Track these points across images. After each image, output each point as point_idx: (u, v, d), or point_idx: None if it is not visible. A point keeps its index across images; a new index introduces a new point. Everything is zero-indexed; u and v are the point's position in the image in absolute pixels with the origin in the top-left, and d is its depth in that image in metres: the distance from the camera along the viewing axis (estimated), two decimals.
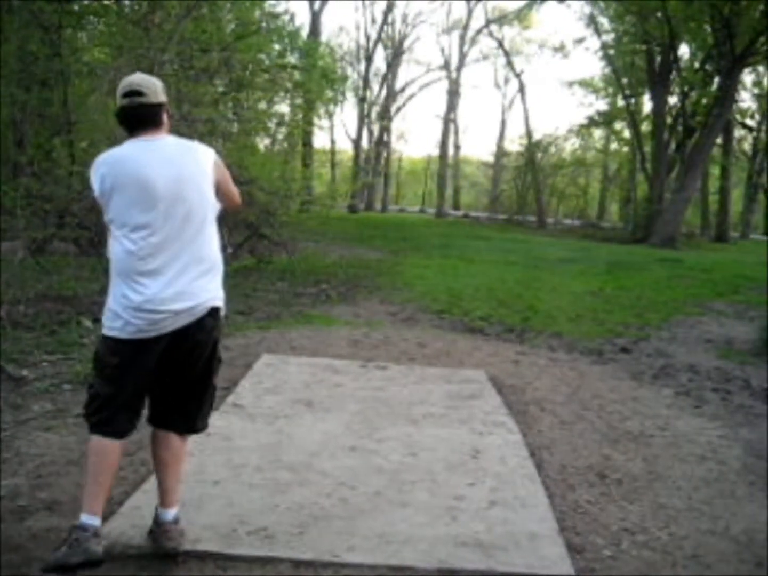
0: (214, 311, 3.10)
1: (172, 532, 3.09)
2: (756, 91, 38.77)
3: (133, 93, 3.06)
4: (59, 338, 6.94)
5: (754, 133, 42.30)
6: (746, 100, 39.14)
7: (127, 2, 16.41)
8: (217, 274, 3.15)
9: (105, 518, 3.32)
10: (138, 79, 3.17)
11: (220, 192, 3.23)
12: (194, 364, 3.11)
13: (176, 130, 12.00)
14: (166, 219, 2.98)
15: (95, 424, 3.02)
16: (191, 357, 3.09)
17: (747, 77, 35.68)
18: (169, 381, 3.11)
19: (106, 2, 16.16)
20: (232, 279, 10.70)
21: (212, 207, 3.16)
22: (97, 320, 7.65)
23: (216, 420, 4.78)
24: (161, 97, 3.15)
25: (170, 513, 3.15)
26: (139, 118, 3.08)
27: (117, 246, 3.00)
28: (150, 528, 3.17)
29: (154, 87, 3.13)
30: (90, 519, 2.89)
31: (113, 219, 3.02)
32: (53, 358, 6.28)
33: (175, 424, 3.18)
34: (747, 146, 44.22)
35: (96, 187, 3.05)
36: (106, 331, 3.02)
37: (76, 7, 15.46)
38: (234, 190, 3.40)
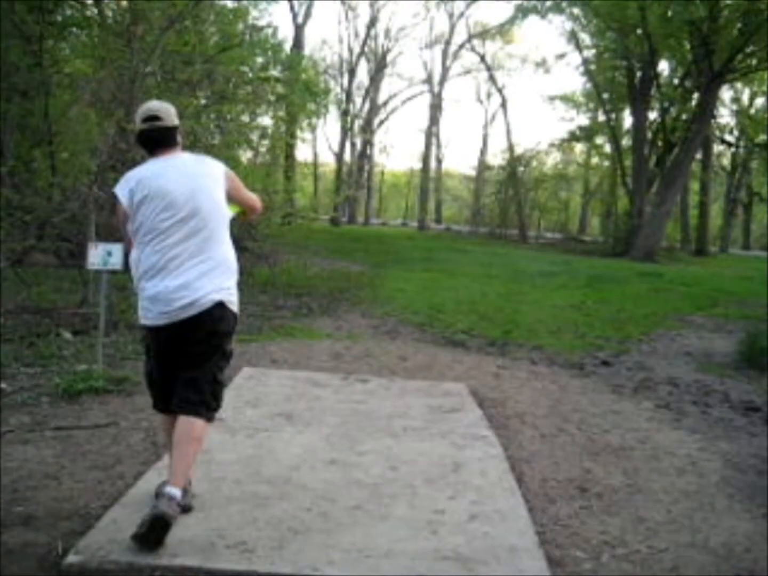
0: (219, 305, 3.49)
1: (168, 500, 3.21)
2: (734, 107, 39.35)
3: (152, 118, 3.54)
4: (38, 350, 6.88)
5: (733, 149, 42.84)
6: (725, 116, 39.71)
7: (109, 14, 16.36)
8: (226, 272, 3.57)
9: (81, 533, 3.31)
10: (155, 105, 3.66)
11: (233, 200, 3.72)
12: (196, 351, 3.50)
13: None
14: (183, 224, 3.44)
15: (152, 399, 3.68)
16: (196, 345, 3.49)
17: (725, 93, 36.19)
18: (177, 365, 3.51)
19: (88, 13, 16.11)
20: None
21: (224, 215, 3.62)
22: (76, 332, 7.63)
23: None
24: (175, 121, 3.62)
25: (172, 489, 3.27)
26: (157, 140, 3.56)
27: (143, 249, 3.46)
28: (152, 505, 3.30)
29: (169, 112, 3.61)
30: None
31: (140, 225, 3.46)
32: (31, 370, 6.22)
33: (178, 405, 3.49)
34: (726, 161, 44.75)
35: (125, 200, 3.48)
36: (139, 321, 3.58)
37: (58, 18, 15.41)
38: (250, 196, 3.92)
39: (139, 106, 3.70)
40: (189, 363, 3.50)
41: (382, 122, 50.23)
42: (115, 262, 5.91)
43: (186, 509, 3.53)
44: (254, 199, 3.95)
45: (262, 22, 22.06)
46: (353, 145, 46.80)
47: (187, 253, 3.45)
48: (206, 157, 3.77)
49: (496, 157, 49.41)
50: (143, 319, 3.52)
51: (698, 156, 33.28)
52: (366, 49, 46.33)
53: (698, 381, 7.53)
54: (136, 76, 12.45)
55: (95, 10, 16.06)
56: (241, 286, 3.76)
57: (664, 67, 32.81)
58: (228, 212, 3.66)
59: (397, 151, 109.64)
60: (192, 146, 12.90)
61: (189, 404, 3.47)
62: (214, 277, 3.48)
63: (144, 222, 3.45)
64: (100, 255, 5.89)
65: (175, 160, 3.57)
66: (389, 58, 48.20)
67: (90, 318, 7.87)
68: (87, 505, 3.69)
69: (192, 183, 3.50)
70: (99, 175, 10.03)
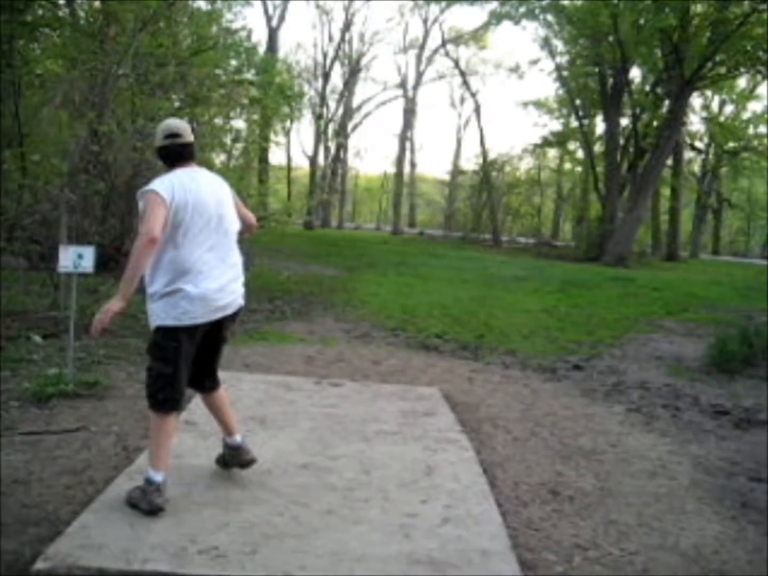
0: (241, 308, 4.07)
1: (245, 448, 4.15)
2: (704, 114, 39.78)
3: (173, 135, 3.91)
4: (7, 354, 6.78)
5: (703, 155, 43.35)
6: (695, 123, 40.16)
7: (82, 14, 16.22)
8: (241, 276, 4.06)
9: (50, 539, 3.27)
10: (175, 123, 4.05)
11: (237, 215, 4.13)
12: (220, 346, 4.10)
13: (131, 144, 11.70)
14: (214, 231, 3.83)
15: (160, 402, 3.75)
16: (220, 341, 4.07)
17: (696, 101, 36.61)
18: (202, 358, 3.94)
19: (60, 14, 15.94)
20: None
21: (237, 225, 4.06)
22: (46, 336, 7.54)
23: None
24: (192, 137, 4.00)
25: (238, 437, 4.15)
26: (179, 155, 3.91)
27: (179, 251, 3.71)
28: (219, 457, 4.25)
29: (187, 130, 3.99)
30: (155, 476, 3.64)
31: (177, 227, 3.69)
32: (0, 374, 6.14)
33: (210, 386, 4.14)
34: (696, 168, 45.25)
35: (167, 197, 3.66)
36: (163, 322, 3.71)
37: (29, 18, 15.22)
38: (249, 213, 4.39)
39: (160, 125, 4.08)
40: (215, 354, 4.08)
41: (356, 126, 50.21)
42: (86, 265, 5.85)
43: (156, 511, 3.57)
44: (252, 216, 4.41)
45: (236, 25, 21.94)
46: (327, 148, 46.72)
47: (217, 258, 3.85)
48: (218, 176, 4.19)
49: (470, 162, 49.72)
50: (175, 320, 3.70)
51: (669, 162, 33.61)
52: (340, 53, 46.31)
53: (669, 385, 7.60)
54: (109, 77, 12.37)
55: (67, 11, 15.90)
56: None
57: (635, 74, 33.14)
58: (239, 223, 4.10)
59: (371, 155, 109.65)
60: None
61: (217, 383, 4.16)
62: (237, 281, 3.98)
63: (180, 225, 3.71)
64: (71, 258, 5.82)
65: (201, 173, 3.96)
66: (363, 62, 48.24)
67: (60, 321, 7.79)
68: (56, 510, 3.65)
69: (218, 195, 3.93)
70: (70, 177, 9.94)
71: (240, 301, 4.02)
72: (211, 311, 3.79)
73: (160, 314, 3.72)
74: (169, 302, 3.69)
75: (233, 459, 4.17)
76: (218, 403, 4.17)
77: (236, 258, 4.01)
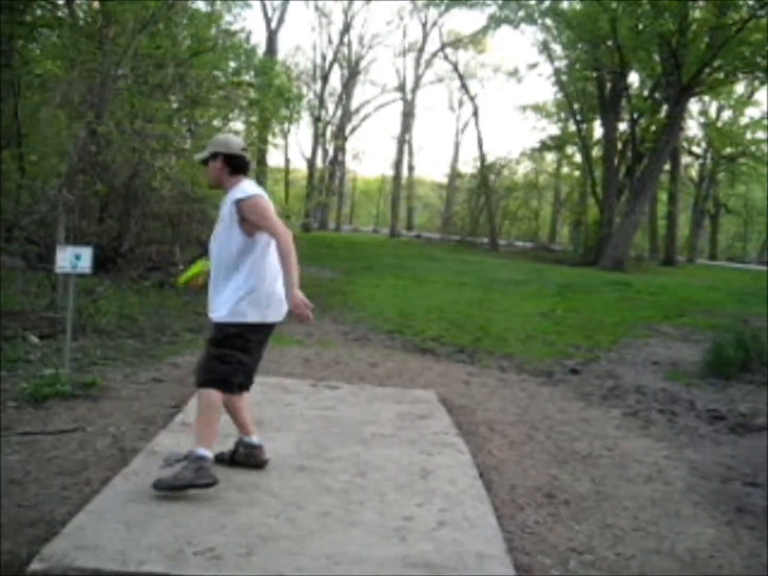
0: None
1: (261, 449, 4.36)
2: (702, 119, 39.91)
3: (245, 149, 4.33)
4: (4, 355, 6.78)
5: (700, 160, 43.46)
6: (693, 128, 40.27)
7: (81, 15, 16.22)
8: None
9: (46, 539, 3.27)
10: (240, 138, 4.48)
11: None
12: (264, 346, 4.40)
13: (129, 145, 11.66)
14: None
15: (233, 385, 4.11)
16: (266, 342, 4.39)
17: (694, 106, 36.72)
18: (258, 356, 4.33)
19: (59, 14, 15.95)
20: (182, 296, 10.59)
21: None
22: (43, 336, 7.53)
23: (164, 439, 4.73)
24: None
25: (255, 438, 4.36)
26: (246, 167, 4.33)
27: (267, 255, 4.14)
28: (231, 455, 4.36)
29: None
30: (208, 452, 3.90)
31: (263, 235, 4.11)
32: None
33: (249, 386, 4.40)
34: (693, 173, 45.37)
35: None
36: (250, 319, 4.06)
37: (28, 18, 15.23)
38: None
39: (227, 136, 4.46)
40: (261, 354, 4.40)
41: (354, 129, 50.32)
42: (84, 265, 5.84)
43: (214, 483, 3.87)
44: None
45: (235, 27, 21.97)
46: (325, 151, 46.83)
47: (278, 264, 4.17)
48: None
49: (468, 165, 49.83)
50: (262, 318, 4.10)
51: (667, 167, 33.68)
52: (339, 55, 46.43)
53: (665, 389, 7.61)
54: (108, 78, 12.37)
55: (66, 11, 15.90)
56: None
57: (634, 78, 33.27)
58: None
59: (369, 158, 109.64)
60: (163, 150, 12.83)
61: (252, 383, 4.43)
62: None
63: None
64: (69, 258, 5.82)
65: None
66: (362, 65, 48.45)
67: (57, 322, 7.78)
68: (52, 511, 3.64)
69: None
70: (68, 177, 9.94)
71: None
72: (283, 311, 4.21)
73: (248, 312, 4.05)
74: (260, 302, 4.08)
75: (249, 457, 4.35)
76: (243, 404, 4.39)
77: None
